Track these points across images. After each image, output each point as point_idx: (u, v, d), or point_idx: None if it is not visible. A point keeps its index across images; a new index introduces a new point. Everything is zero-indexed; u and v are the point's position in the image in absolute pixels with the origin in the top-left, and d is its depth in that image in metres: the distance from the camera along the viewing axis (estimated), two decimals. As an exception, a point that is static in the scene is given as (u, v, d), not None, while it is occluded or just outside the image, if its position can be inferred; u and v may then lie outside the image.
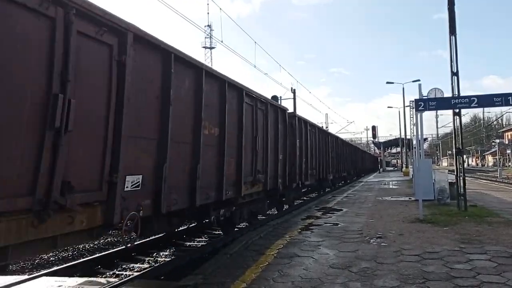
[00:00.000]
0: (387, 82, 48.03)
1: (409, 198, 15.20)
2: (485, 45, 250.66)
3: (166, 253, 8.13)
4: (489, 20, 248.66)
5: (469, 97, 10.77)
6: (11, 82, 3.24)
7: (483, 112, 74.00)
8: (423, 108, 10.84)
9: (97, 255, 7.53)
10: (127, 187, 4.57)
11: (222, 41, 19.68)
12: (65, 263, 7.02)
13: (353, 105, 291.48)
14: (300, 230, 8.57)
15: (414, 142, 23.98)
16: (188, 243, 9.03)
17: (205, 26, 59.39)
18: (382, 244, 7.02)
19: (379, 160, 68.69)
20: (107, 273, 6.65)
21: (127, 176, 4.56)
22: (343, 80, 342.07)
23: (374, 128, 51.97)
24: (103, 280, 5.62)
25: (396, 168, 64.77)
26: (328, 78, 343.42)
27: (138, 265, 7.21)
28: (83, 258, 7.56)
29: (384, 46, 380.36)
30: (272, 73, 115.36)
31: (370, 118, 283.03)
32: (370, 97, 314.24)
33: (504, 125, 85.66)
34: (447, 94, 12.81)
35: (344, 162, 25.70)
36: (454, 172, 11.82)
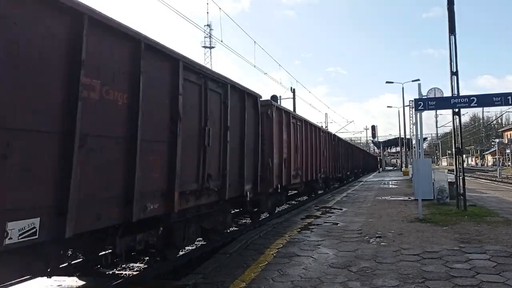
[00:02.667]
0: (387, 82, 47.96)
1: (409, 198, 15.21)
2: (480, 45, 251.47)
3: (166, 253, 8.12)
4: (484, 20, 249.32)
5: (468, 96, 10.77)
6: None
7: (483, 111, 74.32)
8: (422, 108, 10.84)
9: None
10: None
11: (222, 41, 19.65)
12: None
13: (350, 104, 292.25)
14: (299, 230, 8.58)
15: (414, 141, 24.03)
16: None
17: (204, 25, 59.49)
18: (382, 243, 7.03)
19: (378, 159, 68.74)
20: (107, 273, 6.64)
21: None
22: (341, 79, 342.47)
23: (373, 127, 51.96)
24: (103, 280, 5.63)
25: (395, 168, 64.82)
26: (325, 78, 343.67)
27: (138, 264, 7.20)
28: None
29: (377, 46, 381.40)
30: (269, 73, 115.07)
31: (366, 117, 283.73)
32: (366, 96, 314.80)
33: (503, 125, 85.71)
34: (445, 93, 12.86)
35: (340, 162, 23.75)
36: (453, 171, 11.82)
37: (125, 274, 6.58)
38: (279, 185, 10.98)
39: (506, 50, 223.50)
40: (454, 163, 11.72)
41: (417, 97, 11.83)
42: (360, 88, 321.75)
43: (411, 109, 27.39)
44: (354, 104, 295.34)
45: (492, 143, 75.01)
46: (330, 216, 10.68)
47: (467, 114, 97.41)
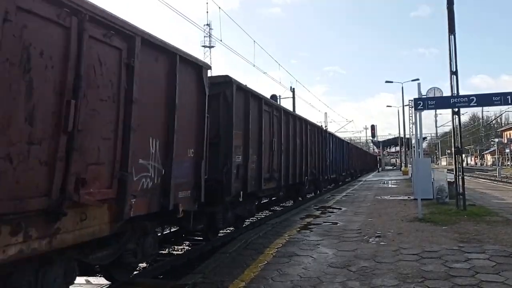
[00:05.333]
0: (386, 81, 48.19)
1: (408, 197, 15.21)
2: (475, 45, 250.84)
3: (165, 252, 8.13)
4: (480, 19, 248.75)
5: (468, 96, 10.78)
6: None
7: (482, 111, 74.35)
8: (422, 107, 10.84)
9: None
10: None
11: (221, 40, 19.69)
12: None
13: (348, 104, 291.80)
14: (299, 229, 8.59)
15: (413, 141, 23.98)
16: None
17: (204, 25, 59.42)
18: (381, 243, 7.04)
19: (378, 159, 68.75)
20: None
21: None
22: (338, 78, 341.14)
23: (373, 127, 52.02)
24: (102, 279, 5.62)
25: (395, 167, 64.84)
26: (323, 77, 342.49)
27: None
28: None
29: (371, 46, 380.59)
30: (267, 73, 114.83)
31: (364, 117, 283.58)
32: (363, 96, 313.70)
33: (503, 124, 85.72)
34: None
35: (333, 161, 21.19)
36: (453, 171, 11.82)
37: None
38: (241, 192, 8.37)
39: (501, 49, 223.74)
40: (453, 163, 11.72)
41: (415, 96, 11.83)
42: (357, 88, 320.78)
43: (410, 108, 27.37)
44: (352, 103, 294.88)
45: (492, 142, 74.99)
46: (330, 216, 10.69)
47: (466, 113, 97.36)
